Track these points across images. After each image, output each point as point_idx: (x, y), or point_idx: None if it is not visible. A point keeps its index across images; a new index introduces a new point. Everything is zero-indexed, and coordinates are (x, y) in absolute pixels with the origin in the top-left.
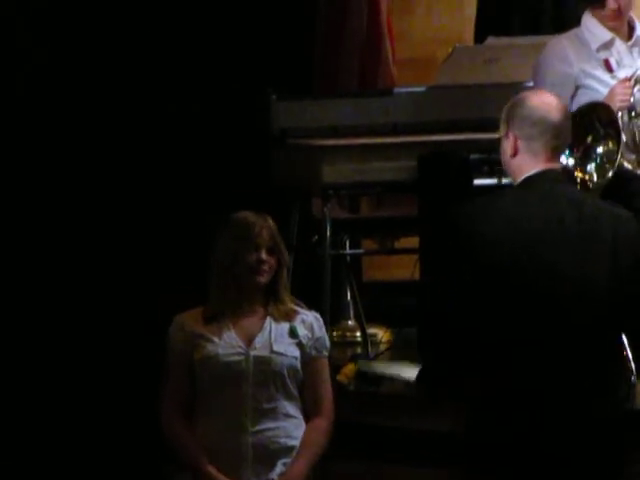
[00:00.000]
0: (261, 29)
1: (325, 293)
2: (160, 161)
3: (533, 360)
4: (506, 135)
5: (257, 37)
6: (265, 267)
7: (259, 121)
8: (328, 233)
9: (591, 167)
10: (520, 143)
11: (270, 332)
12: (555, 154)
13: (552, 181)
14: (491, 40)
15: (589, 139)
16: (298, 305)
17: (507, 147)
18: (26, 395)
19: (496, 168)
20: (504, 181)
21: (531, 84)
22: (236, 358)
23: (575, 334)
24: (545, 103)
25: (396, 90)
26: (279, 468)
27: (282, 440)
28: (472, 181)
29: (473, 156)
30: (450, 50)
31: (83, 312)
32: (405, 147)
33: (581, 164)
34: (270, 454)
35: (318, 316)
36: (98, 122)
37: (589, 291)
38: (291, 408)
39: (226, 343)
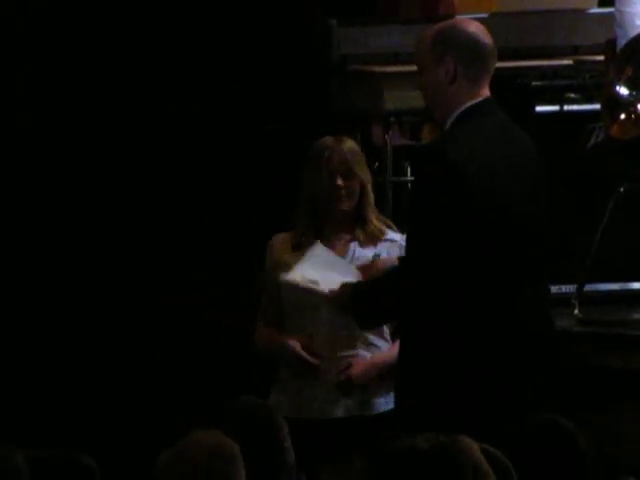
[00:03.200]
0: None
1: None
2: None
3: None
4: (440, 61)
5: None
6: (342, 192)
7: (320, 47)
8: (389, 160)
9: None
10: (459, 68)
11: (352, 258)
12: (488, 78)
13: (495, 110)
14: None
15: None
16: (388, 226)
17: (442, 73)
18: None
19: (558, 95)
20: (566, 108)
21: (594, 11)
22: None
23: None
24: (477, 29)
25: (458, 17)
26: (357, 397)
27: None
28: (534, 108)
29: (535, 83)
30: None
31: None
32: None
33: (637, 96)
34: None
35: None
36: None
37: (541, 219)
38: (373, 337)
39: None
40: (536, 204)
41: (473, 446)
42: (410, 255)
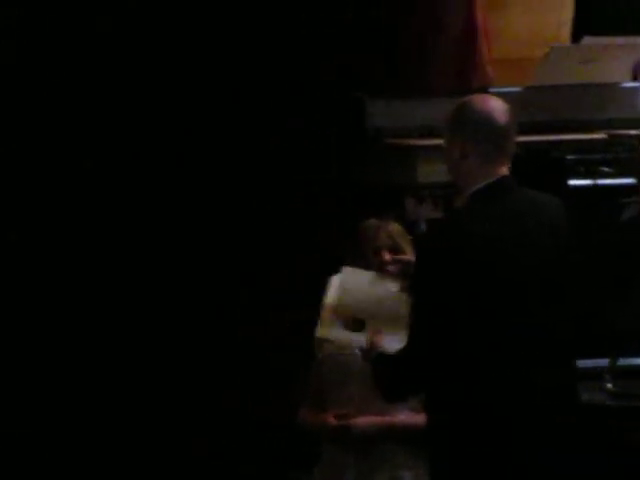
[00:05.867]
0: (348, 25)
1: None
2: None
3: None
4: (453, 138)
5: (344, 33)
6: (390, 268)
7: (354, 120)
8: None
9: None
10: (468, 146)
11: None
12: (505, 157)
13: (508, 190)
14: (587, 40)
15: None
16: None
17: (454, 150)
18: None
19: (592, 169)
20: (600, 182)
21: (628, 84)
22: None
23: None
24: (490, 106)
25: (492, 90)
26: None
27: None
28: (568, 182)
29: (569, 157)
30: (547, 50)
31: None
32: None
33: None
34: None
35: None
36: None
37: (556, 293)
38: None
39: None
40: (554, 281)
41: None
42: (414, 329)
